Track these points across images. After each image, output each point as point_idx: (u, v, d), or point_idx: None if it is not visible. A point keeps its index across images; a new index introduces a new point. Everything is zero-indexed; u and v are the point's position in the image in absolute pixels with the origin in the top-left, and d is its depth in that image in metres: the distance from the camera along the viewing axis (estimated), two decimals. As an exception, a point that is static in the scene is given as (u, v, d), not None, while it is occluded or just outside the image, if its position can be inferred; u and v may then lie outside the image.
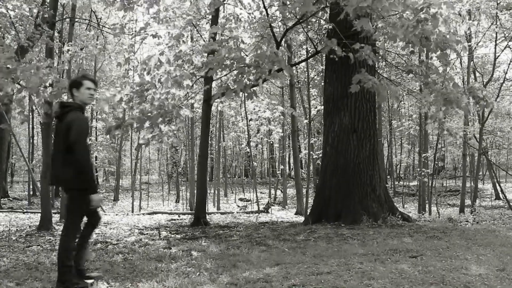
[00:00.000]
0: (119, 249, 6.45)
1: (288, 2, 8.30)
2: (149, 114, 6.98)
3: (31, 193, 20.42)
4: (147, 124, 6.92)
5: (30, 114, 21.69)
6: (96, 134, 26.77)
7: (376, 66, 10.22)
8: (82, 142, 4.07)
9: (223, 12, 15.19)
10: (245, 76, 6.77)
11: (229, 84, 7.18)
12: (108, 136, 30.31)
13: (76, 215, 4.20)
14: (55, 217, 10.16)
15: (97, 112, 25.04)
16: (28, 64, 5.80)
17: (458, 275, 4.10)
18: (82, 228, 4.38)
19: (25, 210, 14.10)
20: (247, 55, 6.95)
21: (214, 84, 9.98)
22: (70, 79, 5.01)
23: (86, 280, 4.27)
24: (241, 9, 13.22)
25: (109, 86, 25.74)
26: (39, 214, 9.52)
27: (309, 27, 12.19)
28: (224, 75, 7.89)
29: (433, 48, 5.79)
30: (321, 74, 17.50)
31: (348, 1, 5.54)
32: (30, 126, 24.01)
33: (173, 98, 7.42)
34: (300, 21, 8.16)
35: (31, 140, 24.71)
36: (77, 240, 4.31)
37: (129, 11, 8.36)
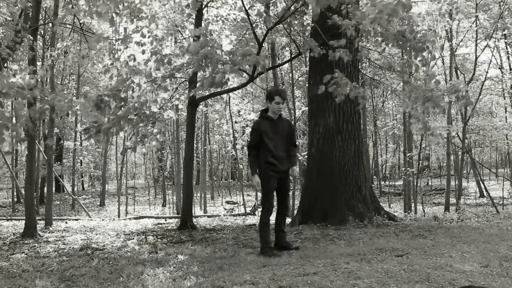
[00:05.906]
0: (105, 254, 6.40)
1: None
2: (125, 116, 6.87)
3: (15, 200, 20.13)
4: (126, 127, 6.82)
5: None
6: (81, 138, 26.48)
7: (360, 66, 10.26)
8: (251, 140, 5.68)
9: (207, 13, 15.17)
10: (220, 71, 6.75)
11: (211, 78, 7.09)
12: (93, 141, 30.03)
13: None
14: (40, 224, 10.02)
15: (81, 117, 24.77)
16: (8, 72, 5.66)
17: (443, 273, 4.14)
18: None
19: (9, 217, 13.89)
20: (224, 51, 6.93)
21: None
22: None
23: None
24: (225, 10, 13.22)
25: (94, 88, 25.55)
26: (24, 221, 9.39)
27: (292, 27, 12.20)
28: (208, 77, 7.85)
29: (405, 45, 5.85)
30: (305, 75, 17.57)
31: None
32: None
33: (156, 101, 7.34)
34: (281, 21, 8.13)
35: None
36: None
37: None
